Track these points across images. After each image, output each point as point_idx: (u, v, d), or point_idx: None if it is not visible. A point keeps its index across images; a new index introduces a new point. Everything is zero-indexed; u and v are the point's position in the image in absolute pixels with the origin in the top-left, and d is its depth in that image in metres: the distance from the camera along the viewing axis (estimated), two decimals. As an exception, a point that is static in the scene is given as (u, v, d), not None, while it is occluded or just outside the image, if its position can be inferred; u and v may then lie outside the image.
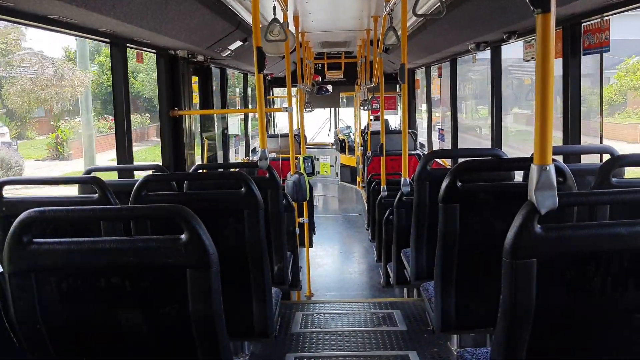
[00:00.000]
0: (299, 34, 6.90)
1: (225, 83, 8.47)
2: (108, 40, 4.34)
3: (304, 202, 5.63)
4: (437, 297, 2.84)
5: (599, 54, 4.04)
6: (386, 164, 6.46)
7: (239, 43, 6.25)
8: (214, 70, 7.44)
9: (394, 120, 15.33)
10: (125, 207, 2.04)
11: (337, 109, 16.90)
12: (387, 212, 5.04)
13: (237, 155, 9.69)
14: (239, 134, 11.63)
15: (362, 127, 13.81)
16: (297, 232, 5.14)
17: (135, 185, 2.80)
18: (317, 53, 12.12)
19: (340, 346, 3.92)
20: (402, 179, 4.55)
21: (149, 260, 1.69)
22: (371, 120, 13.00)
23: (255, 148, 11.23)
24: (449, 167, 7.14)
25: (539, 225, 1.61)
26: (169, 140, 5.50)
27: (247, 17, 5.74)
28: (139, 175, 4.16)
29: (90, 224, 2.80)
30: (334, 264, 8.91)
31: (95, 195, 2.76)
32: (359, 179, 13.30)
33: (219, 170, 5.16)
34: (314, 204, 9.38)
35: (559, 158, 3.85)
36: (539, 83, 1.62)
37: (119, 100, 4.56)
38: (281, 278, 3.69)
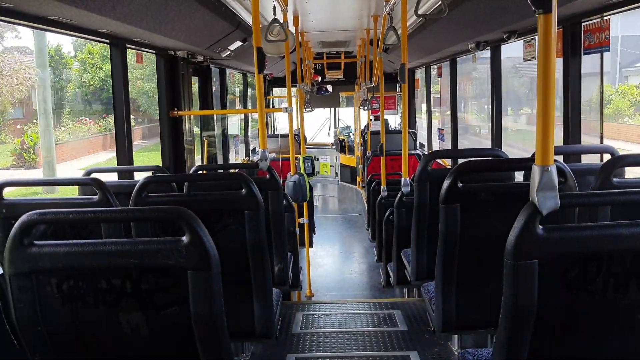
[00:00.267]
0: (299, 34, 6.90)
1: (225, 83, 8.46)
2: (108, 41, 4.33)
3: (304, 203, 5.62)
4: (437, 297, 2.84)
5: (599, 54, 4.04)
6: (386, 164, 6.46)
7: (238, 43, 6.24)
8: (214, 70, 7.43)
9: (394, 120, 15.32)
10: (126, 209, 2.04)
11: (336, 108, 16.89)
12: (388, 212, 5.04)
13: (237, 156, 9.69)
14: (239, 134, 11.63)
15: (362, 127, 13.81)
16: (297, 233, 5.14)
17: (136, 187, 2.80)
18: (317, 53, 12.12)
19: (341, 347, 3.92)
20: (403, 179, 4.55)
21: (150, 262, 1.69)
22: (371, 120, 12.99)
23: (255, 148, 11.23)
24: (449, 167, 7.14)
25: (540, 227, 1.61)
26: (169, 141, 5.50)
27: (247, 18, 5.74)
28: (139, 176, 4.16)
29: (91, 226, 2.80)
30: (334, 264, 8.91)
31: (96, 197, 2.76)
32: (359, 179, 13.30)
33: (219, 171, 5.16)
34: (314, 204, 9.38)
35: (559, 158, 3.85)
36: (540, 83, 1.62)
37: (118, 102, 4.55)
38: (282, 279, 3.69)
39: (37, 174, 17.98)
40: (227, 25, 5.35)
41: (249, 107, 12.02)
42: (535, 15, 1.60)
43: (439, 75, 9.47)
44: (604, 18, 3.82)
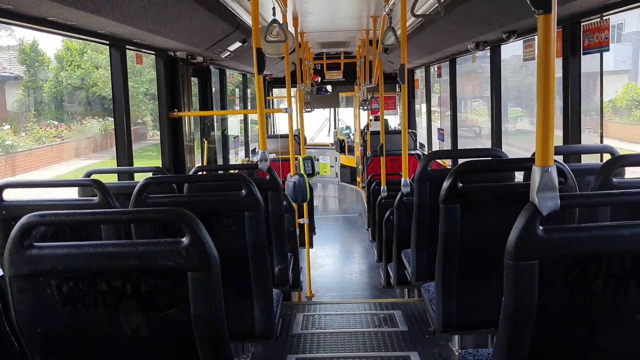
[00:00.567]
0: (298, 35, 6.90)
1: (225, 84, 8.46)
2: (107, 42, 4.33)
3: (304, 203, 5.62)
4: (438, 297, 2.83)
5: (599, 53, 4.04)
6: (386, 164, 6.46)
7: (238, 44, 6.24)
8: (214, 71, 7.43)
9: (394, 121, 15.32)
10: (126, 211, 2.03)
11: (336, 109, 16.89)
12: (388, 212, 5.04)
13: (236, 157, 9.68)
14: (239, 134, 11.63)
15: (362, 128, 13.81)
16: (298, 233, 5.14)
17: (136, 188, 2.79)
18: (317, 53, 12.13)
19: (342, 347, 3.91)
20: (402, 179, 4.55)
21: (150, 264, 1.69)
22: (371, 120, 13.00)
23: (255, 149, 11.23)
24: (449, 167, 7.14)
25: (541, 227, 1.61)
26: (169, 142, 5.50)
27: (246, 18, 5.74)
28: (139, 176, 4.16)
29: (91, 227, 2.80)
30: (334, 265, 8.91)
31: (96, 198, 2.76)
32: (358, 179, 13.30)
33: (219, 172, 5.16)
34: (314, 204, 9.38)
35: (559, 158, 3.85)
36: (540, 84, 1.62)
37: (118, 102, 4.55)
38: (282, 279, 3.69)
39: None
40: (226, 26, 5.35)
41: (249, 108, 12.03)
42: (535, 15, 1.60)
43: (439, 75, 9.47)
44: (604, 18, 3.82)
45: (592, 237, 1.62)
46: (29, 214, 1.71)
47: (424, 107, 11.46)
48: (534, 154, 1.71)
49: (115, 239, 2.76)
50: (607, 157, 3.31)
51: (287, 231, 4.21)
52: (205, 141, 7.16)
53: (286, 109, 5.34)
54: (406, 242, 3.98)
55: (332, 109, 17.09)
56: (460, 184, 2.63)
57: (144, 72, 22.31)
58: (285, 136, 7.20)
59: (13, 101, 21.35)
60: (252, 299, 2.85)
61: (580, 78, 4.28)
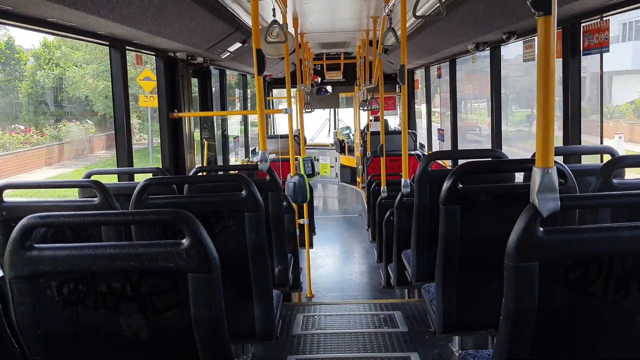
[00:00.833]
0: (298, 35, 6.90)
1: (225, 85, 8.46)
2: (107, 42, 4.33)
3: (304, 204, 5.62)
4: (438, 298, 2.83)
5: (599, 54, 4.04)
6: (386, 165, 6.45)
7: (238, 45, 6.24)
8: (214, 72, 7.43)
9: (394, 121, 15.33)
10: (126, 212, 2.03)
11: (336, 109, 16.89)
12: (388, 213, 5.04)
13: (236, 157, 9.68)
14: (239, 135, 11.63)
15: (362, 128, 13.81)
16: (298, 234, 5.13)
17: (136, 189, 2.79)
18: (317, 54, 12.13)
19: (342, 348, 3.91)
20: (403, 179, 4.55)
21: (151, 265, 1.69)
22: (371, 120, 13.00)
23: (255, 149, 11.23)
24: (449, 168, 7.14)
25: (541, 229, 1.61)
26: (169, 142, 5.50)
27: (246, 19, 5.74)
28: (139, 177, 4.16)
29: (91, 228, 2.80)
30: (334, 265, 8.90)
31: (96, 199, 2.76)
32: (359, 179, 13.30)
33: (219, 172, 5.16)
34: (314, 205, 9.37)
35: (559, 158, 3.85)
36: (540, 85, 1.62)
37: (118, 103, 4.55)
38: (282, 280, 3.69)
39: None
40: (226, 26, 5.35)
41: (249, 109, 12.02)
42: (535, 17, 1.60)
43: (439, 76, 9.47)
44: (604, 19, 3.82)
45: (593, 239, 1.62)
46: (30, 215, 1.71)
47: (424, 107, 11.45)
48: (534, 155, 1.71)
49: (115, 240, 2.76)
50: (607, 158, 3.31)
51: (287, 232, 4.22)
52: (205, 142, 7.16)
53: (286, 109, 5.34)
54: (406, 242, 3.98)
55: (332, 110, 17.09)
56: (461, 185, 2.63)
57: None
58: (285, 137, 7.19)
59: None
60: (252, 300, 2.85)
61: (580, 79, 4.28)
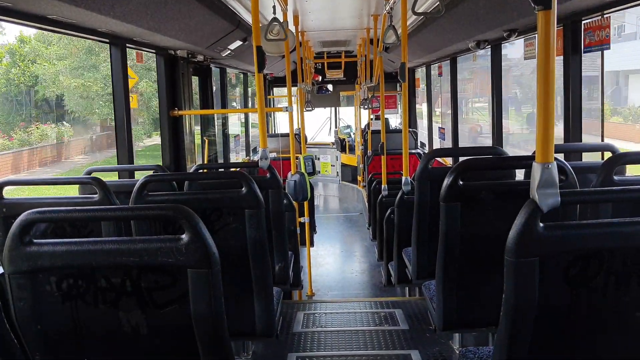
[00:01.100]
0: (299, 33, 6.89)
1: (225, 83, 8.46)
2: (107, 40, 4.33)
3: (305, 202, 5.62)
4: (438, 295, 2.83)
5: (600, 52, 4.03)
6: (387, 163, 6.46)
7: (238, 42, 6.24)
8: (214, 70, 7.43)
9: (395, 120, 15.32)
10: (126, 207, 2.03)
11: (337, 108, 16.89)
12: (388, 211, 5.04)
13: (237, 156, 9.67)
14: (239, 133, 11.63)
15: (363, 126, 13.81)
16: (298, 232, 5.13)
17: (136, 186, 2.79)
18: (317, 52, 12.13)
19: (342, 345, 3.91)
20: (403, 177, 4.54)
21: (150, 261, 1.68)
22: (371, 119, 13.00)
23: (255, 148, 11.24)
24: (450, 165, 7.13)
25: (541, 224, 1.60)
26: (169, 140, 5.50)
27: (247, 17, 5.73)
28: (139, 175, 4.16)
29: (91, 225, 2.79)
30: (335, 264, 8.90)
31: (96, 196, 2.76)
32: (359, 178, 13.30)
33: (220, 170, 5.16)
34: (315, 203, 9.37)
35: (560, 156, 3.84)
36: (540, 81, 1.62)
37: (119, 101, 4.55)
38: (282, 278, 3.69)
39: None
40: (227, 24, 5.35)
41: (249, 107, 12.02)
42: (535, 12, 1.59)
43: (440, 74, 9.47)
44: (605, 16, 3.81)
45: (593, 234, 1.62)
46: (29, 211, 1.71)
47: (424, 107, 11.44)
48: (534, 152, 1.71)
49: (115, 237, 2.76)
50: (607, 155, 3.30)
51: (288, 230, 4.21)
52: (206, 140, 7.17)
53: (287, 107, 5.34)
54: (407, 240, 3.97)
55: (333, 108, 17.10)
56: (461, 182, 2.63)
57: (100, 68, 19.61)
58: (285, 135, 7.19)
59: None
60: (253, 297, 2.85)
61: (581, 76, 4.27)
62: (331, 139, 16.32)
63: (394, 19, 5.60)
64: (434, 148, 10.18)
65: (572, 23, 4.14)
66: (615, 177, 2.52)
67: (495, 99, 6.18)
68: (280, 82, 13.78)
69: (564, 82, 4.31)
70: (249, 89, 12.27)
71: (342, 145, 14.55)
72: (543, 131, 1.63)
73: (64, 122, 20.79)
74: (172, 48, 5.36)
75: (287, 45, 5.46)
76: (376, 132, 10.58)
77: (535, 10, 1.58)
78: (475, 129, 13.93)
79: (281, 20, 4.78)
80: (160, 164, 5.29)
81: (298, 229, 5.17)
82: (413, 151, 10.50)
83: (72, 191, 3.76)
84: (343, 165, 14.39)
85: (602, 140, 4.31)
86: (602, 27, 3.86)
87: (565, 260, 1.64)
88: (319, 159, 14.61)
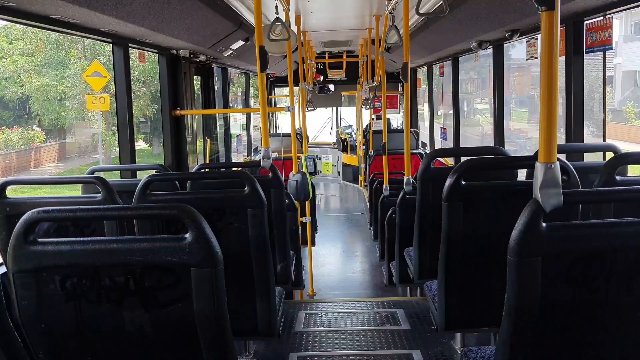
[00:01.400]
0: (301, 33, 6.90)
1: (227, 83, 8.47)
2: (110, 40, 4.34)
3: (307, 202, 5.62)
4: (440, 295, 2.83)
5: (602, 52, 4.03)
6: (388, 163, 6.46)
7: (240, 42, 6.25)
8: (216, 69, 7.44)
9: (396, 120, 15.32)
10: (129, 207, 2.04)
11: (338, 108, 16.89)
12: (390, 211, 5.04)
13: (239, 156, 9.68)
14: (241, 133, 11.63)
15: (364, 126, 13.80)
16: (300, 231, 5.14)
17: (139, 185, 2.80)
18: (319, 52, 12.13)
19: (344, 345, 3.92)
20: (405, 177, 4.54)
21: (154, 260, 1.69)
22: (373, 119, 13.00)
23: (257, 147, 11.23)
24: (452, 165, 7.13)
25: (544, 224, 1.60)
26: (171, 140, 5.50)
27: (249, 17, 5.74)
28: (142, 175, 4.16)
29: (94, 224, 2.80)
30: (336, 263, 8.90)
31: (99, 195, 2.76)
32: (361, 178, 13.29)
33: (222, 169, 5.17)
34: (316, 203, 9.37)
35: (562, 156, 3.84)
36: (543, 81, 1.62)
37: (121, 101, 4.56)
38: (284, 277, 3.69)
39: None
40: (229, 24, 5.35)
41: (251, 106, 12.03)
42: (538, 12, 1.60)
43: (441, 75, 9.47)
44: (607, 16, 3.82)
45: (596, 234, 1.62)
46: (33, 210, 1.72)
47: (426, 108, 11.43)
48: (537, 152, 1.71)
49: (118, 236, 2.77)
50: (609, 155, 3.30)
51: (290, 229, 4.21)
52: (208, 139, 7.17)
53: (288, 107, 5.34)
54: (408, 240, 3.97)
55: (335, 108, 17.10)
56: (463, 182, 2.63)
57: (69, 65, 17.93)
58: (287, 135, 7.20)
59: None
60: (255, 297, 2.85)
61: (583, 77, 4.27)
62: (332, 138, 16.32)
63: (396, 19, 5.60)
64: (436, 148, 10.18)
65: (575, 23, 4.14)
66: (618, 178, 2.52)
67: (497, 99, 6.18)
68: (282, 82, 13.78)
69: (565, 83, 4.31)
70: (250, 89, 12.27)
71: (344, 145, 14.55)
72: (546, 131, 1.63)
73: (34, 127, 19.15)
74: (175, 48, 5.37)
75: (289, 45, 5.47)
76: (377, 132, 10.57)
77: (539, 11, 1.59)
78: (486, 134, 13.79)
79: (283, 20, 4.78)
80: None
81: (300, 228, 5.17)
82: (415, 151, 10.49)
83: (72, 191, 3.76)
84: (344, 165, 14.38)
85: (604, 140, 4.30)
86: (604, 27, 3.86)
87: (568, 260, 1.64)
88: (320, 158, 14.62)
